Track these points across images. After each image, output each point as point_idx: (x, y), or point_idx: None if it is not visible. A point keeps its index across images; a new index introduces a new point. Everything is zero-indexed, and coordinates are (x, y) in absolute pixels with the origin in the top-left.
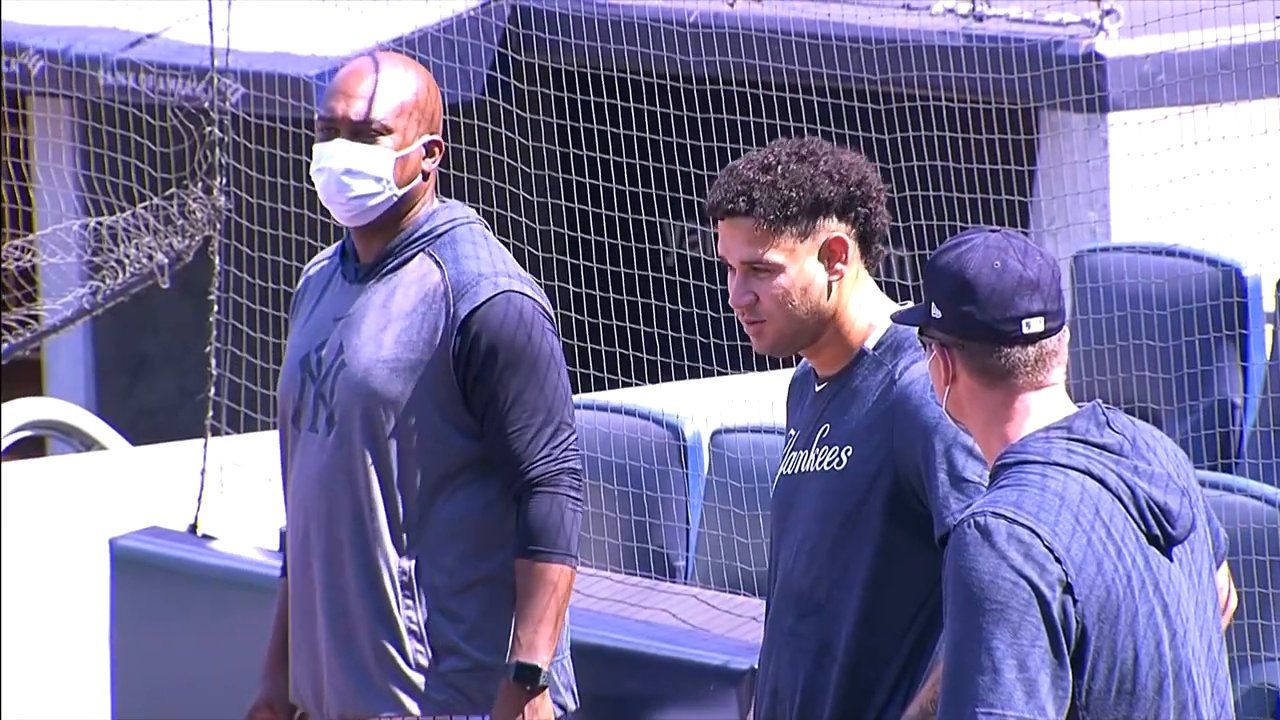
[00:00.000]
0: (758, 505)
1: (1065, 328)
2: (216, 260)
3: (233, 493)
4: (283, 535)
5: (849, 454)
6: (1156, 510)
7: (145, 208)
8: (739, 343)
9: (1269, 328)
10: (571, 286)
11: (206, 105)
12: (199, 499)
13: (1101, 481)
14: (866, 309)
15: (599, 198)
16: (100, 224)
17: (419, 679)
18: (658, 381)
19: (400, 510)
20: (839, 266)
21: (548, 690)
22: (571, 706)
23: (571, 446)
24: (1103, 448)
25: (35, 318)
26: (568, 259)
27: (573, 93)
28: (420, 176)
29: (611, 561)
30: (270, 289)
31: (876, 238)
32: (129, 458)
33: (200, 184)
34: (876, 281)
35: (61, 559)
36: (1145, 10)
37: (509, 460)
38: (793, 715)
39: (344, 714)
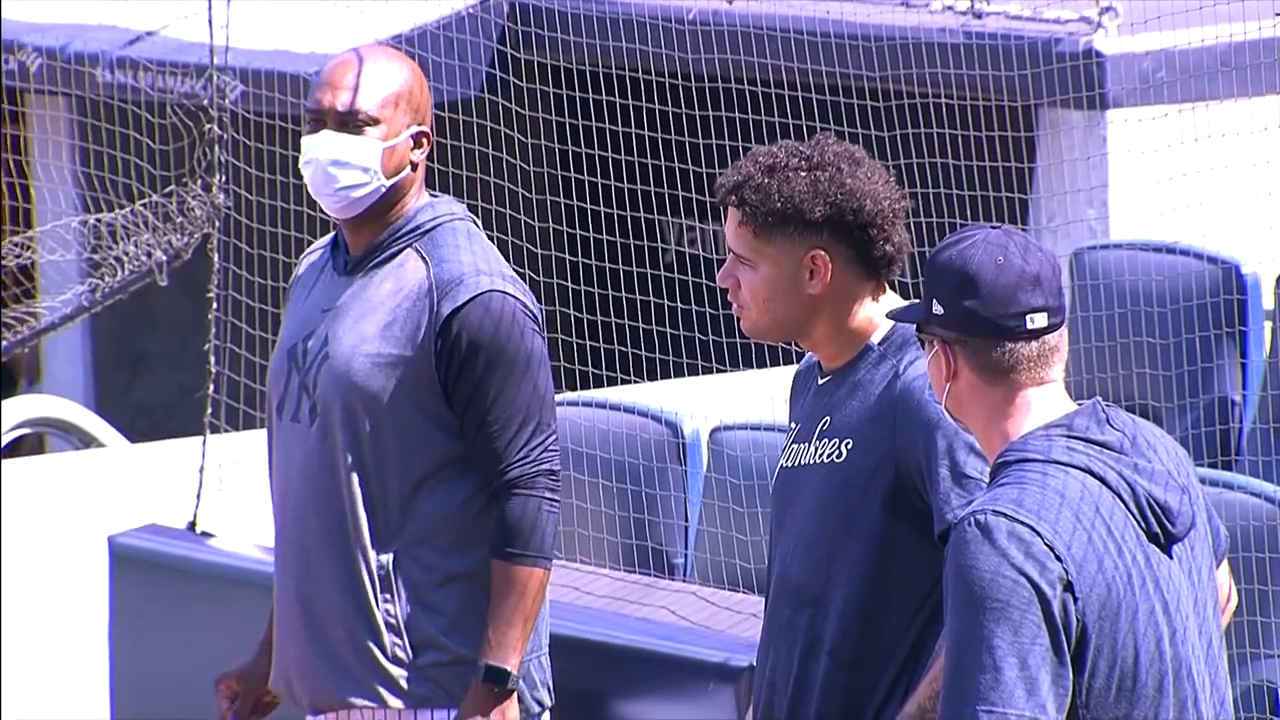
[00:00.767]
0: (757, 502)
1: (1065, 324)
2: (215, 258)
3: (231, 490)
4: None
5: (849, 447)
6: (1157, 508)
7: (144, 205)
8: (738, 340)
9: (1268, 325)
10: (570, 284)
11: (205, 102)
12: (198, 496)
13: (1102, 479)
14: (870, 309)
15: (598, 195)
16: (99, 221)
17: (397, 672)
18: (656, 379)
19: (379, 503)
20: (815, 283)
21: (515, 694)
22: (548, 702)
23: (551, 447)
24: (1103, 445)
25: (34, 315)
26: (567, 256)
27: (572, 90)
28: (409, 168)
29: (610, 559)
30: (269, 286)
31: (885, 264)
32: (128, 455)
33: (199, 181)
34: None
35: (60, 556)
36: (1144, 7)
37: (487, 459)
38: (786, 708)
39: (315, 701)
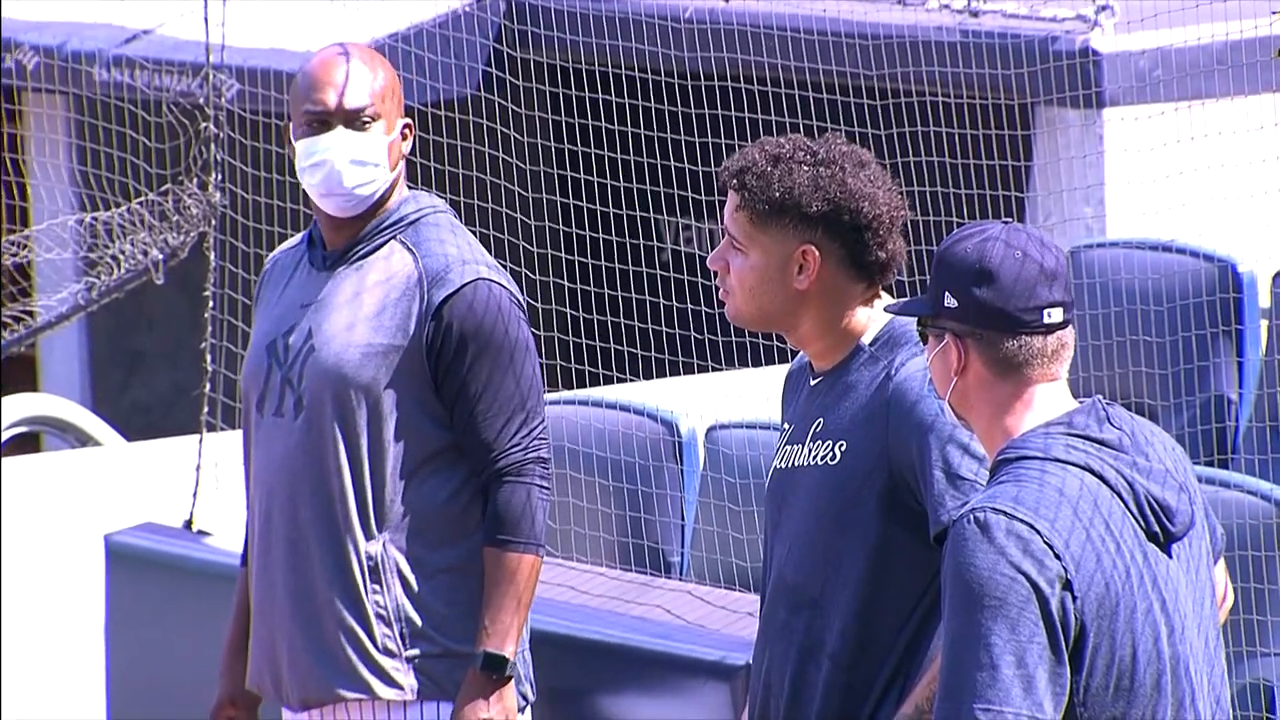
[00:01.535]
0: (753, 501)
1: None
2: (211, 256)
3: (227, 488)
4: (247, 523)
5: (843, 449)
6: (1156, 506)
7: (140, 203)
8: (734, 338)
9: (1264, 323)
10: (566, 282)
11: (202, 101)
12: (194, 495)
13: (1101, 477)
14: (862, 312)
15: (594, 193)
16: (95, 219)
17: (388, 663)
18: (653, 377)
19: (369, 495)
20: (803, 278)
21: (512, 680)
22: (531, 698)
23: (541, 435)
24: (1102, 443)
25: (30, 313)
26: (563, 255)
27: (569, 88)
28: (402, 160)
29: (606, 557)
30: None
31: (877, 269)
32: (124, 453)
33: (195, 180)
34: None
35: (57, 555)
36: (1141, 6)
37: (478, 448)
38: (783, 710)
39: (306, 699)
